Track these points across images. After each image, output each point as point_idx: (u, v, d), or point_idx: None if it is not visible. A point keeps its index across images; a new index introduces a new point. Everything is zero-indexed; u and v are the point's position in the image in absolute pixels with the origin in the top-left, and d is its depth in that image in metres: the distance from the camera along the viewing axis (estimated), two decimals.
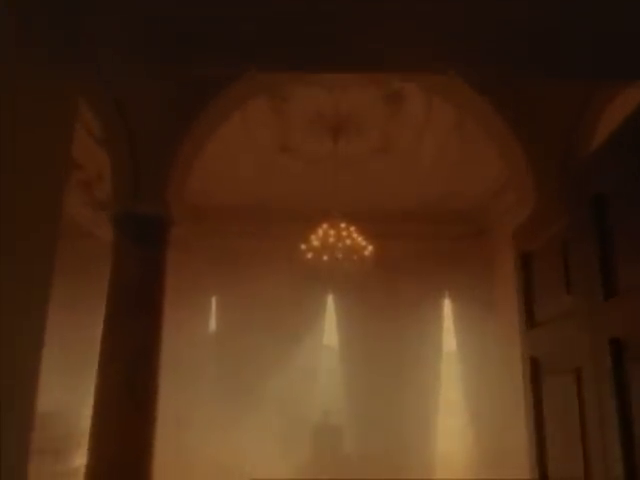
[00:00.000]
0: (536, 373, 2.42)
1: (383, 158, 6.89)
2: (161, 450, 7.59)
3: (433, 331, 8.79)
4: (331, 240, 5.71)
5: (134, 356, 3.89)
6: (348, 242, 5.72)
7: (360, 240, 5.84)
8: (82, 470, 4.20)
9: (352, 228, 5.90)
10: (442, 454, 8.41)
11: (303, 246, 5.89)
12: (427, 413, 8.55)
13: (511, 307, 7.68)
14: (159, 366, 4.06)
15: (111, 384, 3.83)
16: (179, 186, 4.10)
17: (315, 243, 5.73)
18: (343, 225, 5.85)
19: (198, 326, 8.67)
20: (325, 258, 6.05)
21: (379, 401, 8.47)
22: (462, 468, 8.20)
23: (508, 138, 3.53)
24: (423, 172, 7.27)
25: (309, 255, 6.00)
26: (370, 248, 5.91)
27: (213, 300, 8.85)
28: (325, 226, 5.83)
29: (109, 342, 3.97)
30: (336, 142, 6.31)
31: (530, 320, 2.52)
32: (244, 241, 8.28)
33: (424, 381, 8.58)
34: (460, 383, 8.59)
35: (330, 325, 8.97)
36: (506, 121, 3.49)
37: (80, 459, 5.75)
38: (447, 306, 8.88)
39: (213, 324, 8.77)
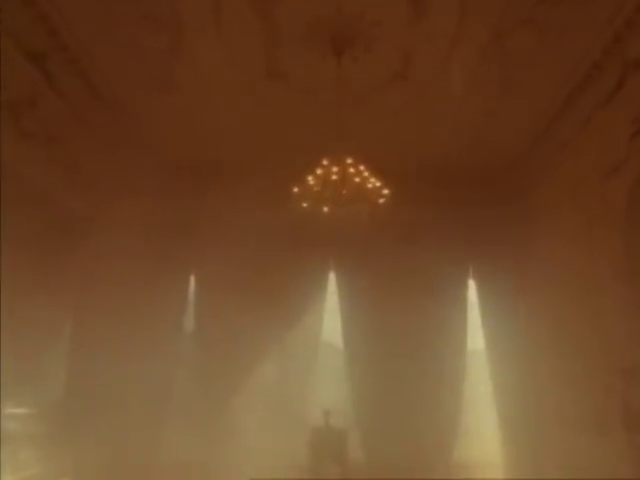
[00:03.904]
0: None
1: (399, 87, 5.40)
2: (138, 450, 6.47)
3: (455, 315, 7.30)
4: (334, 179, 4.22)
5: None
6: (357, 180, 4.24)
7: (373, 181, 4.36)
8: None
9: (361, 167, 4.41)
10: (466, 461, 6.93)
11: (296, 189, 4.40)
12: (448, 412, 7.07)
13: (548, 284, 6.28)
14: None
15: None
16: None
17: (312, 183, 4.25)
18: (350, 161, 4.36)
19: (174, 309, 7.18)
20: (326, 209, 4.57)
21: (390, 398, 7.02)
22: (488, 476, 6.70)
23: None
24: (448, 110, 5.78)
25: (304, 204, 4.52)
26: (386, 192, 4.43)
27: (192, 279, 7.36)
28: (326, 162, 4.34)
29: None
30: (339, 59, 4.81)
31: None
32: (223, 203, 6.77)
33: (444, 375, 7.12)
34: (487, 376, 7.10)
35: (332, 308, 7.48)
36: None
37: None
38: (471, 285, 7.38)
39: (191, 306, 7.29)
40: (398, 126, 5.95)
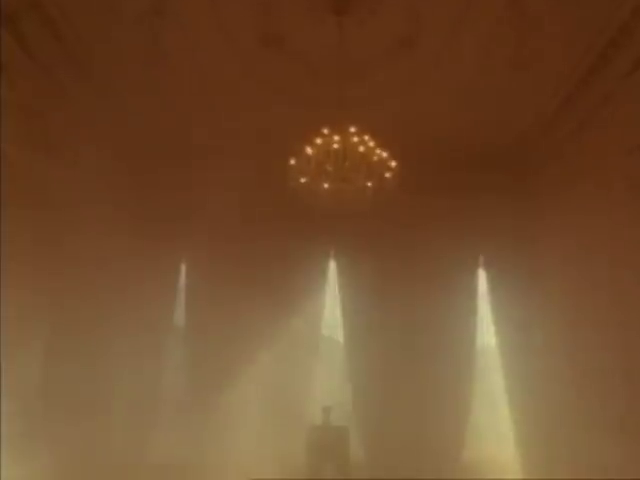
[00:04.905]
0: None
1: (406, 55, 4.96)
2: (124, 451, 5.94)
3: (463, 307, 6.85)
4: (335, 148, 3.78)
5: None
6: (361, 150, 3.79)
7: (379, 152, 3.91)
8: None
9: (366, 136, 3.97)
10: (475, 461, 6.48)
11: (293, 161, 3.96)
12: (455, 410, 6.63)
13: (565, 271, 5.82)
14: None
15: None
16: None
17: (310, 154, 3.80)
18: (353, 130, 3.92)
19: (163, 299, 6.73)
20: (326, 186, 4.13)
21: (393, 395, 6.58)
22: (499, 476, 6.25)
23: None
24: (460, 82, 5.34)
25: (303, 179, 4.08)
26: (393, 164, 3.98)
27: (183, 267, 6.91)
28: (326, 131, 3.90)
29: None
30: (341, 22, 4.38)
31: None
32: (215, 184, 6.28)
33: (452, 370, 6.67)
34: (498, 371, 6.65)
35: (332, 299, 7.04)
36: None
37: None
38: (481, 275, 6.93)
39: (182, 297, 6.84)
40: (404, 100, 5.48)
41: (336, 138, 3.81)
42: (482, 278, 6.91)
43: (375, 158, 3.93)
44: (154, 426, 6.44)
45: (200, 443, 6.27)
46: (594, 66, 5.01)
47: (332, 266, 6.99)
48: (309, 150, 3.87)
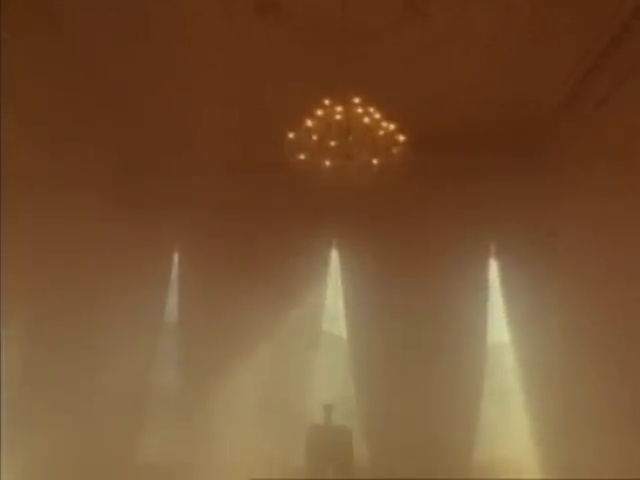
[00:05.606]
0: None
1: (416, 25, 4.59)
2: (109, 451, 5.56)
3: (474, 298, 6.50)
4: (338, 119, 3.42)
5: None
6: (366, 121, 3.43)
7: (385, 125, 3.55)
8: None
9: (371, 108, 3.61)
10: (487, 461, 6.15)
11: (291, 135, 3.60)
12: (466, 408, 6.28)
13: (585, 261, 5.47)
14: None
15: None
16: None
17: (310, 126, 3.44)
18: (357, 100, 3.56)
19: (154, 291, 6.40)
20: (328, 163, 3.77)
21: (399, 393, 6.21)
22: (512, 476, 5.91)
23: None
24: (472, 57, 4.98)
25: (302, 156, 3.72)
26: (402, 138, 3.62)
27: (175, 258, 6.58)
28: (327, 102, 3.54)
29: None
30: None
31: None
32: (208, 166, 5.92)
33: (461, 366, 6.31)
34: (512, 367, 6.33)
35: (334, 292, 6.71)
36: None
37: None
38: (492, 265, 6.58)
39: (174, 288, 6.50)
40: (411, 75, 5.09)
41: (338, 109, 3.44)
42: (493, 268, 6.56)
43: (381, 132, 3.57)
44: (147, 423, 6.17)
45: (195, 441, 5.98)
46: (617, 37, 4.65)
47: (334, 256, 6.65)
48: (309, 122, 3.51)
